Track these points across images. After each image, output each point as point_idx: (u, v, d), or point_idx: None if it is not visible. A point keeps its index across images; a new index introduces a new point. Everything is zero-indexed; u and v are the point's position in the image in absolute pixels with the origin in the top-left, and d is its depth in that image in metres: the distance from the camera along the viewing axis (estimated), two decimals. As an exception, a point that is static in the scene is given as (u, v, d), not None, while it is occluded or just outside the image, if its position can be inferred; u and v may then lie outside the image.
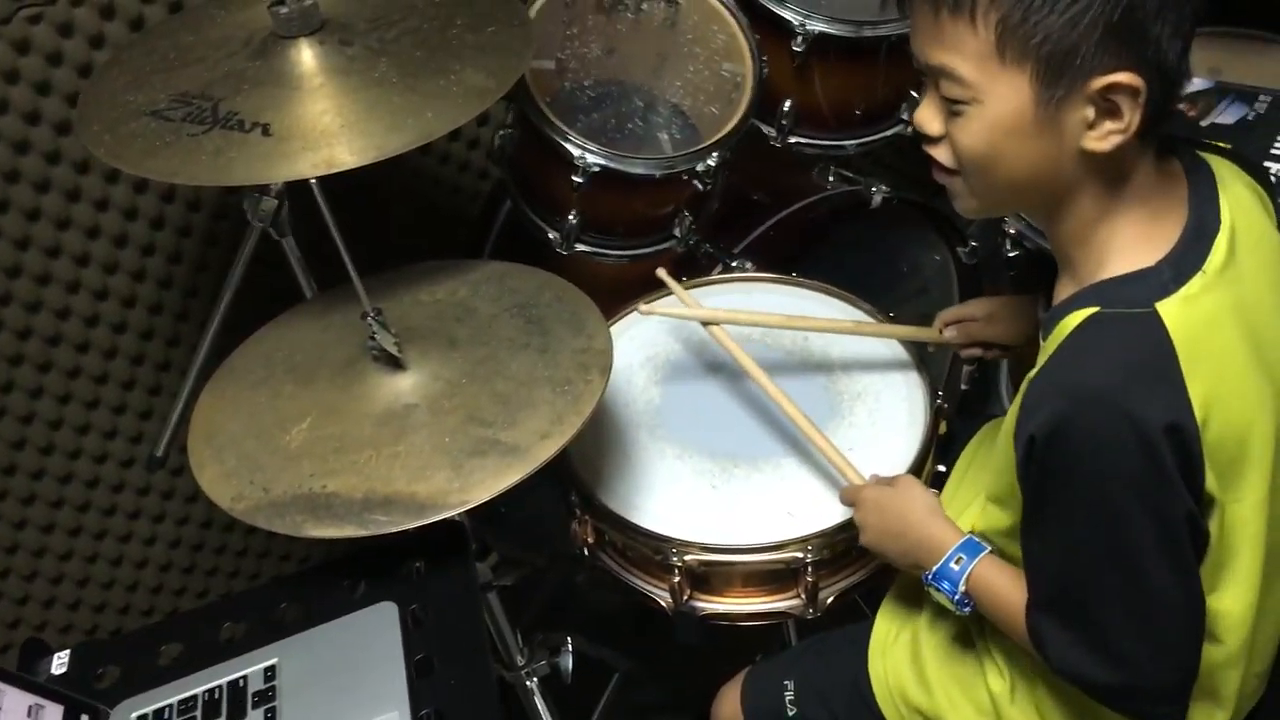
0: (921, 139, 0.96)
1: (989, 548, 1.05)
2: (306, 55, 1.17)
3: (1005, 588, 1.02)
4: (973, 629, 1.14)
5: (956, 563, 1.05)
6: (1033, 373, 0.92)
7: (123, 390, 1.65)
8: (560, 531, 1.37)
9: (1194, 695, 0.96)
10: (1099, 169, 0.90)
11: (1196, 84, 1.53)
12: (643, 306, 1.40)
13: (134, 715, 1.00)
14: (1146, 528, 0.87)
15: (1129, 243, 0.92)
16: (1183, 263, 0.90)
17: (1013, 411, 0.94)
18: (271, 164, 1.08)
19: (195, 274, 1.65)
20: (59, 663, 1.06)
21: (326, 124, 1.11)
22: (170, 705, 1.00)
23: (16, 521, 1.60)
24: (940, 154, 0.96)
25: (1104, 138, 0.87)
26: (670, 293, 1.41)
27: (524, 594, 1.80)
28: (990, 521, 1.07)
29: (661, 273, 1.40)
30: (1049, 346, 0.91)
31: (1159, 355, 0.87)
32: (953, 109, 0.92)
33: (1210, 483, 0.88)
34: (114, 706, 1.01)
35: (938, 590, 1.06)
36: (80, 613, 1.72)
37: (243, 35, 1.23)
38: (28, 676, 0.97)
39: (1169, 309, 0.88)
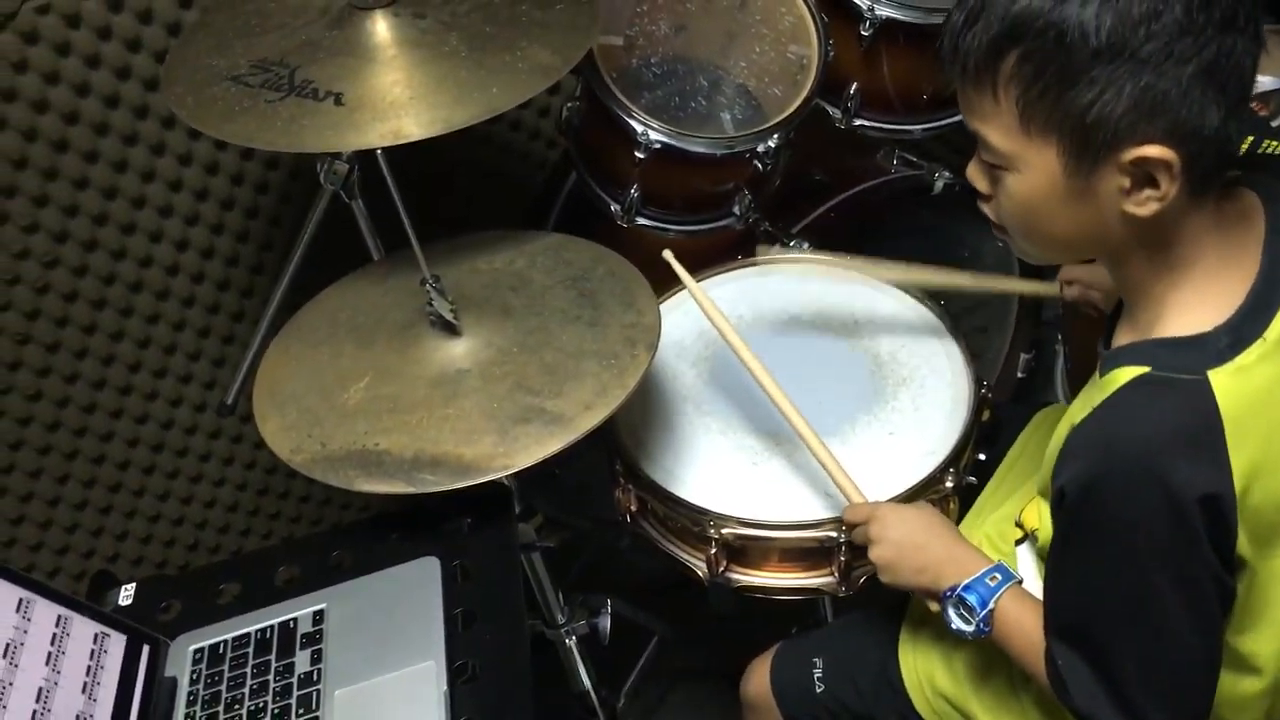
0: (974, 193, 0.97)
1: (1019, 577, 1.05)
2: (381, 27, 1.21)
3: (1034, 619, 1.00)
4: None
5: (992, 580, 1.04)
6: (1076, 415, 0.92)
7: (198, 337, 1.72)
8: (606, 497, 1.41)
9: None
10: (1146, 231, 0.89)
11: (1266, 83, 1.52)
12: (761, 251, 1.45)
13: (191, 648, 1.07)
14: (1170, 591, 0.87)
15: (1186, 303, 0.90)
16: (1242, 329, 0.88)
17: (1057, 438, 0.95)
18: (341, 133, 1.13)
19: (270, 229, 1.72)
20: (125, 594, 1.13)
21: (396, 95, 1.15)
22: (225, 641, 1.07)
23: (94, 457, 1.68)
24: (989, 210, 0.97)
25: (1142, 204, 0.86)
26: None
27: (568, 556, 1.86)
28: (1044, 523, 1.05)
29: (668, 254, 1.41)
30: (1096, 396, 0.91)
31: (1204, 425, 0.86)
32: (992, 173, 0.93)
33: (1243, 546, 0.88)
34: (173, 639, 1.08)
35: (960, 605, 1.04)
36: (151, 546, 1.80)
37: (320, 4, 1.27)
38: (96, 606, 1.04)
39: (1221, 379, 0.86)
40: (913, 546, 1.12)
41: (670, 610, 1.81)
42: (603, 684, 1.53)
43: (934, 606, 1.09)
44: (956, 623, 1.05)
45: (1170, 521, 0.85)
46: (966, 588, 1.04)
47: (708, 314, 1.33)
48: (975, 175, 0.96)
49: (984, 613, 1.02)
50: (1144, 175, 0.85)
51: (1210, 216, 0.90)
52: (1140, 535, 0.87)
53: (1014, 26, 0.84)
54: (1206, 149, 0.84)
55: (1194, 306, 0.90)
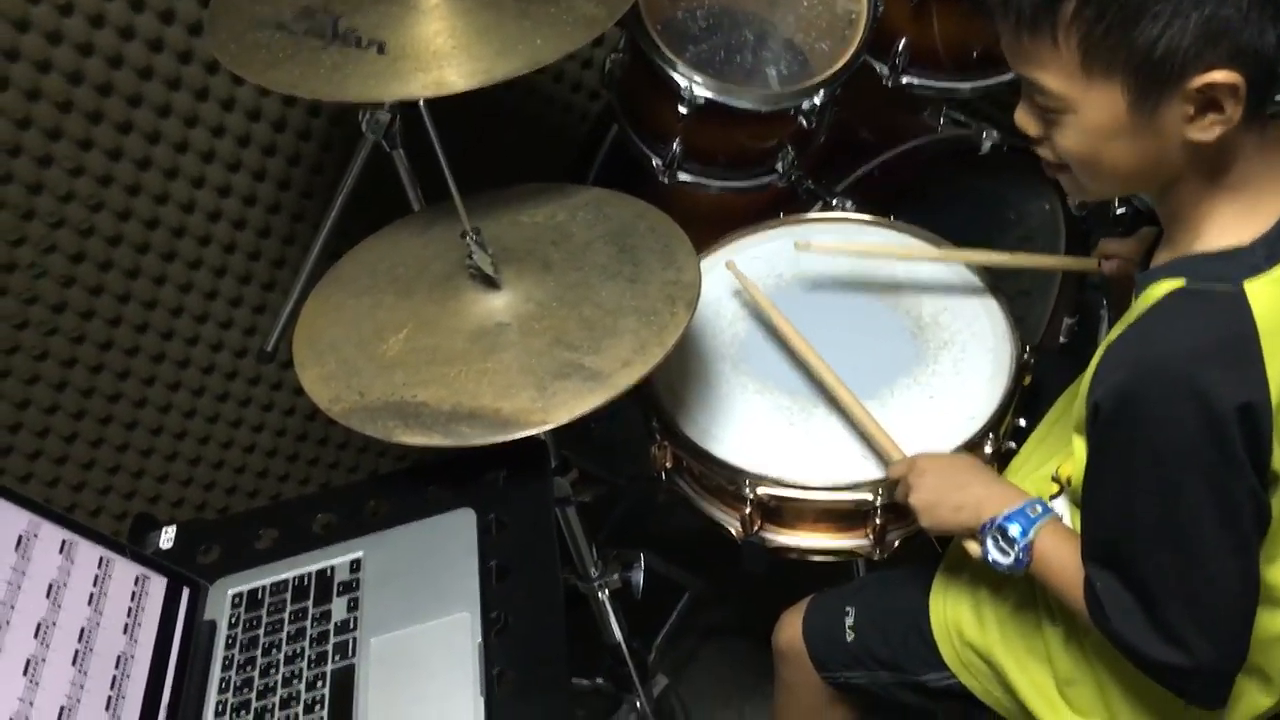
0: (1024, 136, 0.97)
1: (1059, 513, 1.05)
2: (425, -25, 1.20)
3: (1072, 552, 1.01)
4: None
5: (1033, 511, 1.05)
6: (1112, 335, 0.93)
7: (239, 283, 1.73)
8: (641, 454, 1.41)
9: (1246, 671, 0.97)
10: (1204, 156, 0.90)
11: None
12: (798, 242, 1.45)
13: (231, 592, 1.09)
14: (1206, 508, 0.87)
15: (1226, 220, 0.92)
16: (1278, 243, 0.89)
17: (1090, 369, 0.95)
18: (384, 83, 1.12)
19: (311, 176, 1.72)
20: (166, 537, 1.15)
21: (439, 45, 1.14)
22: (264, 586, 1.08)
23: (137, 400, 1.70)
24: (1044, 152, 0.97)
25: (1207, 129, 0.87)
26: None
27: (602, 510, 1.87)
28: (1077, 462, 1.05)
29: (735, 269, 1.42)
30: (1131, 314, 0.92)
31: (1240, 335, 0.86)
32: (1047, 116, 0.92)
33: (1277, 461, 0.88)
34: (213, 582, 1.10)
35: (1001, 537, 1.05)
36: (191, 489, 1.82)
37: (366, -49, 1.26)
38: (137, 548, 1.05)
39: (1256, 288, 0.87)
40: (951, 486, 1.13)
41: (702, 567, 1.82)
42: (634, 637, 1.54)
43: (974, 548, 1.10)
44: (995, 554, 1.06)
45: (1207, 433, 0.85)
46: (1008, 518, 1.05)
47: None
48: (1025, 120, 0.96)
49: (1024, 543, 1.03)
50: (1208, 101, 0.85)
51: (1258, 135, 0.91)
52: (1176, 447, 0.87)
53: None
54: (1265, 69, 0.85)
55: (1232, 223, 0.91)
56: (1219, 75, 0.83)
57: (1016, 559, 1.04)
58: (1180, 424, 0.86)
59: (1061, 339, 1.96)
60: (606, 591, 1.46)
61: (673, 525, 1.89)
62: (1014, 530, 1.03)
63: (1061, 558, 1.02)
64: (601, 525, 1.88)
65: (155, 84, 1.52)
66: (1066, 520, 1.11)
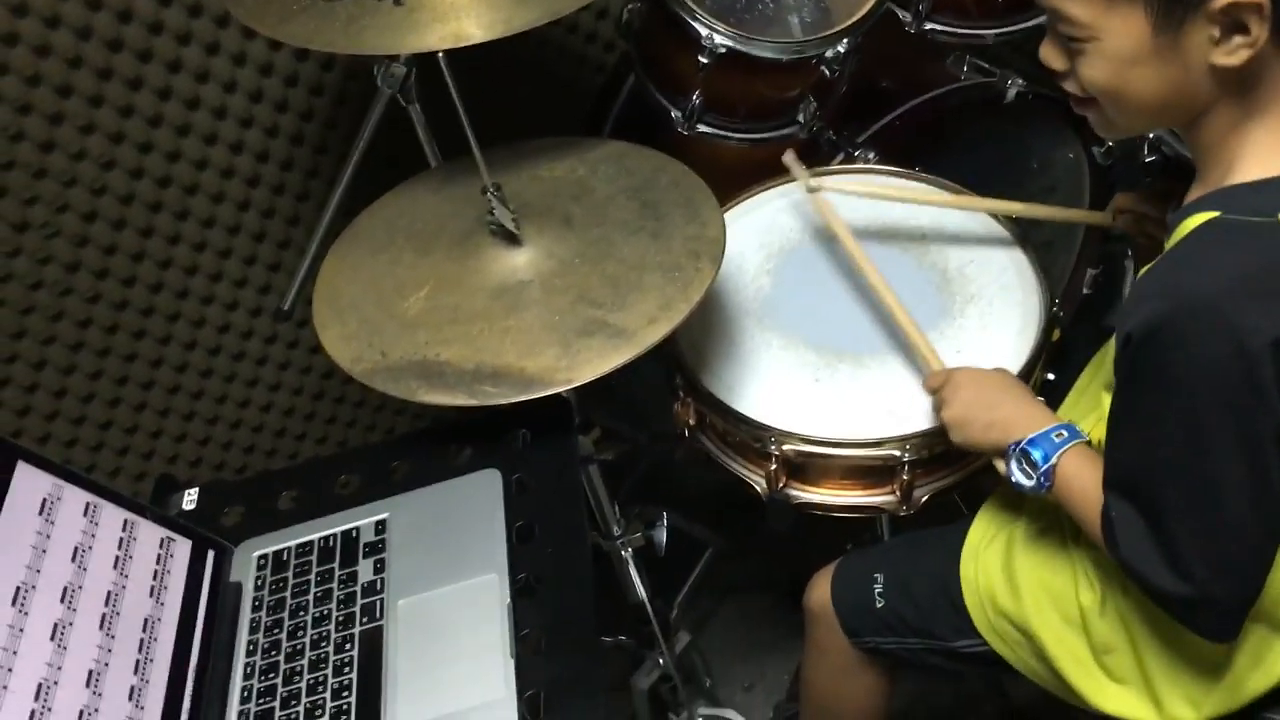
0: (1050, 73, 0.95)
1: (1088, 437, 1.05)
2: (441, -77, 1.17)
3: (1093, 478, 1.00)
4: (1069, 538, 1.14)
5: (1058, 436, 1.04)
6: (1145, 269, 0.91)
7: (254, 242, 1.71)
8: (662, 411, 1.40)
9: (1255, 618, 0.96)
10: (1232, 81, 0.88)
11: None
12: (812, 181, 1.42)
13: (256, 554, 1.08)
14: (1229, 442, 0.86)
15: (1261, 150, 0.90)
16: None
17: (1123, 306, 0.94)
18: (400, 35, 1.10)
19: (325, 131, 1.69)
20: (189, 499, 1.14)
21: (457, -4, 1.12)
22: (289, 548, 1.08)
23: (153, 360, 1.69)
24: (1070, 86, 0.95)
25: (1233, 52, 0.85)
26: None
27: (624, 467, 1.86)
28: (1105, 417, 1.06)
29: (789, 157, 1.39)
30: (1165, 247, 0.91)
31: (1276, 266, 0.84)
32: (1072, 47, 0.91)
33: None
34: (237, 545, 1.09)
35: (1024, 460, 1.05)
36: (209, 449, 1.82)
37: (379, -100, 1.23)
38: (161, 511, 1.05)
39: None
40: (982, 404, 1.13)
41: (724, 524, 1.81)
42: (657, 595, 1.53)
43: (1000, 466, 1.10)
44: (1018, 476, 1.06)
45: (1238, 366, 0.83)
46: (1031, 441, 1.05)
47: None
48: (1051, 54, 0.96)
49: (1045, 467, 1.04)
50: (1233, 22, 0.84)
51: None
52: (1206, 381, 0.86)
53: None
54: None
55: (1266, 152, 0.90)
56: None
57: (1038, 482, 1.04)
58: (1210, 358, 0.84)
59: (1085, 290, 1.93)
60: (629, 550, 1.45)
61: (694, 482, 1.88)
62: (1036, 454, 1.04)
63: (1083, 484, 1.02)
64: (621, 483, 1.87)
65: (165, 39, 1.49)
66: None
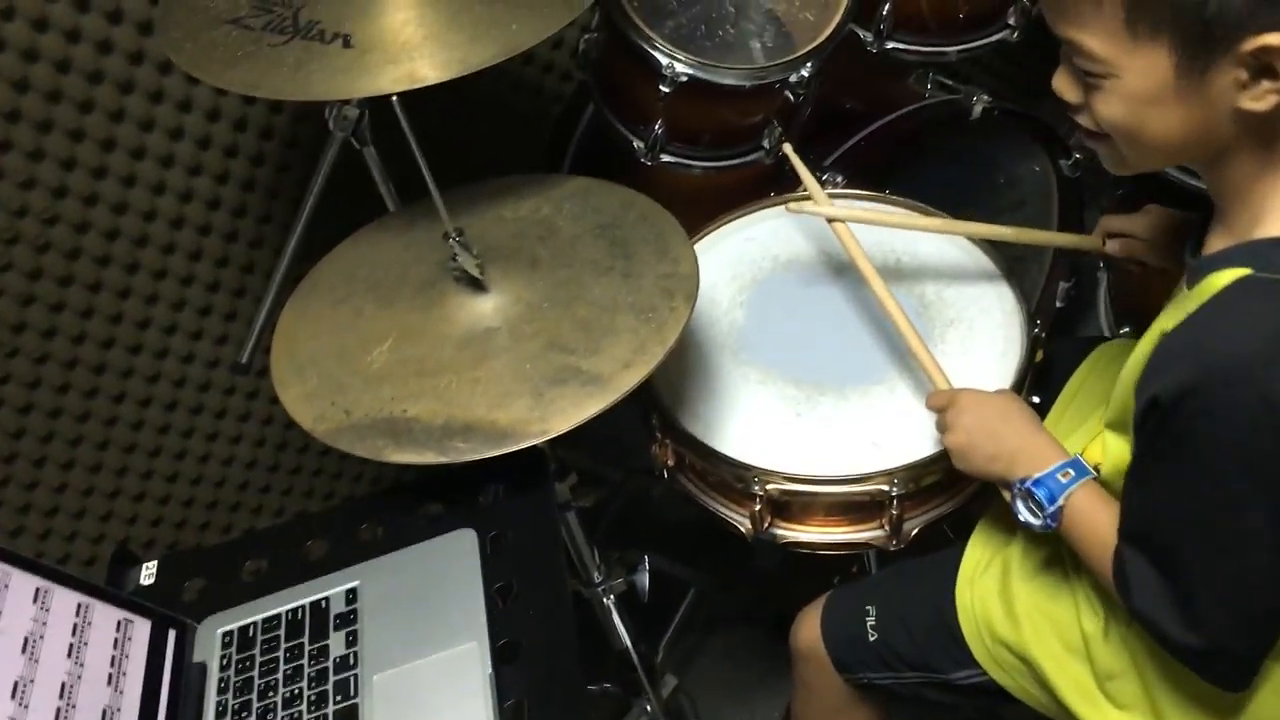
0: (1062, 104, 0.91)
1: (1095, 474, 1.02)
2: (388, -42, 1.13)
3: (1103, 518, 0.98)
4: (1068, 564, 1.11)
5: (1064, 475, 1.01)
6: (1168, 324, 0.87)
7: (208, 292, 1.65)
8: (636, 446, 1.36)
9: (1276, 656, 0.94)
10: (1258, 126, 0.84)
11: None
12: (791, 205, 1.38)
13: (220, 631, 1.02)
14: (1259, 511, 0.83)
15: None
16: None
17: (1140, 354, 0.91)
18: (352, 78, 1.05)
19: (278, 176, 1.64)
20: (147, 573, 1.08)
21: (408, 35, 1.07)
22: (255, 623, 1.02)
23: (108, 418, 1.62)
24: (1083, 120, 0.91)
25: (1260, 98, 0.81)
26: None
27: (600, 506, 1.81)
28: (1111, 454, 1.02)
29: (788, 149, 1.36)
30: (1190, 302, 0.86)
31: None
32: (1088, 81, 0.87)
33: None
34: (200, 621, 1.03)
35: (1029, 499, 1.02)
36: (170, 507, 1.75)
37: (323, -63, 1.18)
38: (117, 591, 0.99)
39: None
40: (986, 434, 1.10)
41: (706, 557, 1.77)
42: (641, 639, 1.49)
43: (1007, 497, 1.07)
44: (1025, 515, 1.03)
45: (1271, 436, 0.81)
46: (1036, 482, 1.02)
47: (842, 218, 1.33)
48: (1065, 86, 0.91)
49: (1052, 509, 1.01)
50: (1262, 67, 0.80)
51: None
52: (1236, 448, 0.83)
53: None
54: None
55: None
56: (1274, 38, 0.77)
57: (1044, 523, 1.01)
58: (1243, 424, 0.81)
59: (1058, 303, 1.92)
60: (611, 597, 1.41)
61: (673, 516, 1.84)
62: (1041, 495, 1.01)
63: (1092, 526, 0.99)
64: (597, 522, 1.82)
65: (106, 87, 1.43)
66: None
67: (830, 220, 1.33)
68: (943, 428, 1.14)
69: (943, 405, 1.15)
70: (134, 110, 1.47)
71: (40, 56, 1.36)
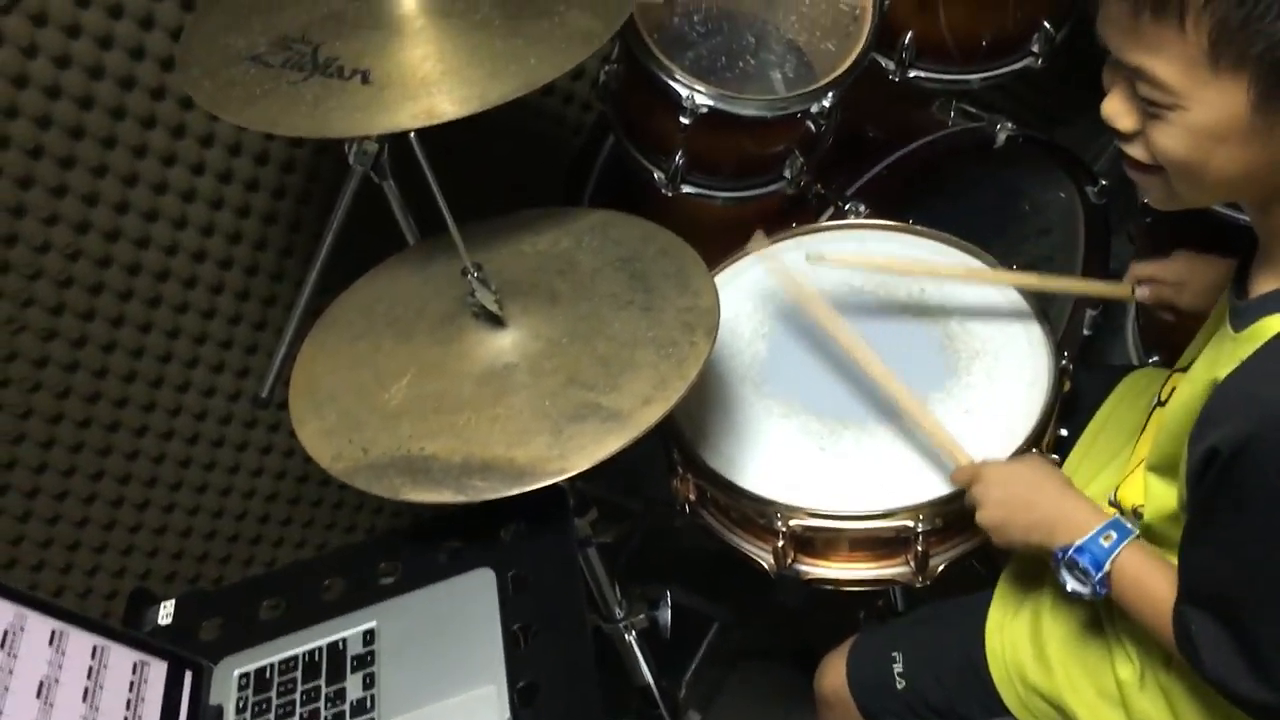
0: (1112, 131, 0.88)
1: (1137, 531, 0.99)
2: (408, -5, 1.13)
3: (1155, 578, 0.95)
4: (1100, 610, 1.08)
5: (1106, 539, 0.97)
6: (1219, 371, 0.85)
7: (229, 325, 1.65)
8: (657, 475, 1.34)
9: None
10: None
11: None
12: (811, 251, 1.36)
13: (236, 673, 1.01)
14: None
15: None
16: None
17: (1187, 401, 0.88)
18: (370, 115, 1.05)
19: (299, 209, 1.64)
20: (164, 613, 1.08)
21: (427, 71, 1.07)
22: (272, 664, 1.01)
23: (129, 452, 1.62)
24: (1135, 151, 0.87)
25: None
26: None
27: (621, 539, 1.79)
28: (1155, 498, 0.99)
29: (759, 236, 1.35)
30: (1242, 348, 0.84)
31: None
32: (1150, 110, 0.83)
33: None
34: (217, 662, 1.02)
35: (1074, 568, 0.98)
36: (191, 540, 1.75)
37: (343, -27, 1.19)
38: (132, 632, 0.98)
39: None
40: (1020, 506, 1.06)
41: (729, 589, 1.75)
42: (663, 672, 1.47)
43: (1051, 566, 1.03)
44: (1072, 584, 0.99)
45: None
46: (1079, 549, 0.98)
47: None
48: (1119, 113, 0.86)
49: (1099, 575, 0.97)
50: None
51: None
52: None
53: None
54: None
55: None
56: None
57: (1094, 590, 0.97)
58: None
59: (1086, 331, 1.89)
60: (633, 632, 1.39)
61: (695, 547, 1.81)
62: (1085, 562, 0.97)
63: (1143, 588, 0.96)
64: (618, 555, 1.81)
65: (128, 124, 1.44)
66: None
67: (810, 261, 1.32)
68: (973, 505, 1.10)
69: (967, 481, 1.11)
70: (156, 145, 1.47)
71: (62, 93, 1.37)
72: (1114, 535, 0.97)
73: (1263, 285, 0.89)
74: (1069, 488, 1.07)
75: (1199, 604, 0.90)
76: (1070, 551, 0.98)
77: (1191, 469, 0.87)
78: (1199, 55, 0.78)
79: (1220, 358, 0.86)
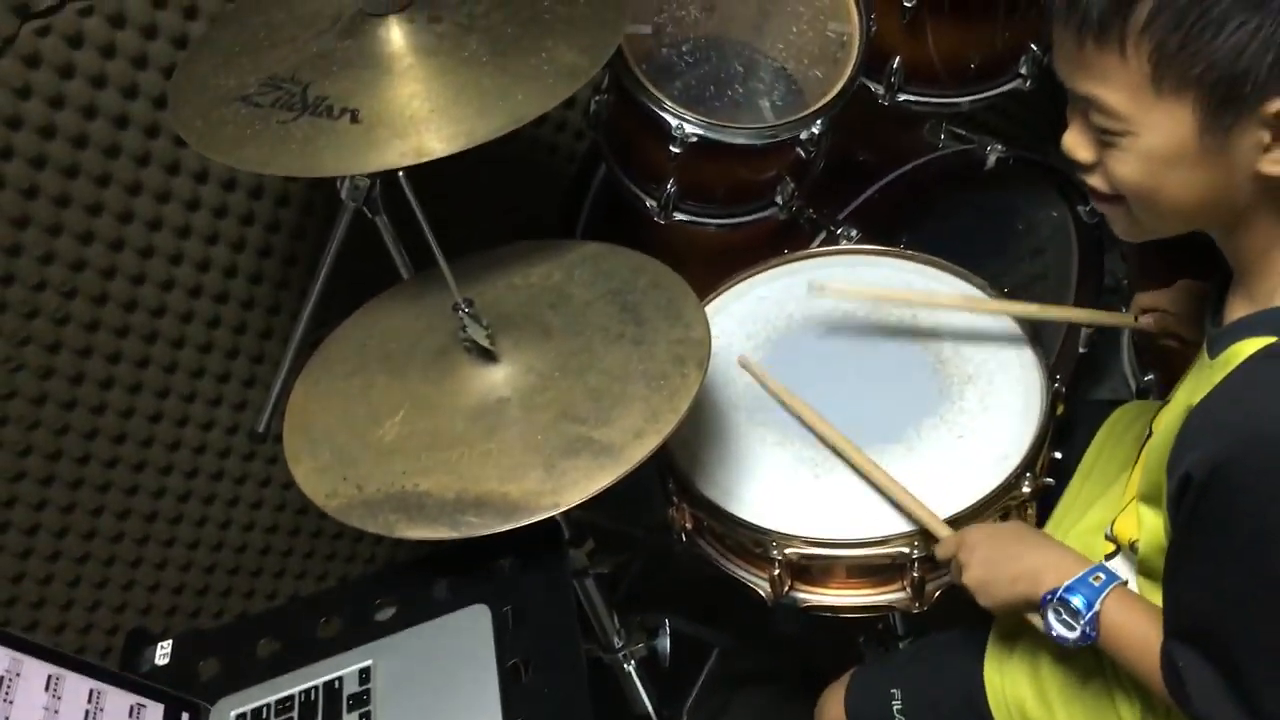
0: (1073, 164, 0.89)
1: (1124, 579, 0.98)
2: (395, 34, 1.14)
3: (1143, 619, 0.94)
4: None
5: (1096, 580, 0.96)
6: (1193, 397, 0.85)
7: (226, 359, 1.66)
8: (655, 501, 1.34)
9: None
10: (1278, 191, 0.82)
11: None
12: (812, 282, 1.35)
13: (233, 714, 1.01)
14: None
15: None
16: None
17: (1167, 429, 0.88)
18: (360, 153, 1.06)
19: (293, 243, 1.65)
20: (161, 653, 1.08)
21: (415, 109, 1.08)
22: (269, 705, 1.01)
23: (128, 487, 1.63)
24: (1096, 181, 0.88)
25: None
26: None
27: (619, 568, 1.79)
28: (1147, 528, 0.98)
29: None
30: (1215, 373, 0.84)
31: None
32: (1104, 139, 0.84)
33: None
34: (213, 704, 1.02)
35: (1063, 609, 0.97)
36: (191, 573, 1.75)
37: (331, 12, 1.20)
38: (129, 675, 0.98)
39: None
40: (1004, 558, 1.05)
41: (729, 615, 1.75)
42: (663, 701, 1.47)
43: (1036, 621, 1.01)
44: (1059, 629, 0.97)
45: None
46: (1069, 589, 0.96)
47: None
48: (1077, 144, 0.88)
49: (1090, 615, 0.95)
50: None
51: None
52: (1275, 525, 0.80)
53: None
54: None
55: None
56: None
57: (1083, 633, 0.95)
58: (1278, 497, 0.79)
59: (1081, 349, 1.89)
60: (632, 662, 1.39)
61: (693, 573, 1.81)
62: (1077, 602, 0.95)
63: (1132, 630, 0.94)
64: (617, 583, 1.81)
65: (123, 161, 1.45)
66: (1131, 584, 1.04)
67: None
68: (958, 571, 1.09)
69: (953, 550, 1.10)
70: (151, 182, 1.48)
71: (57, 132, 1.38)
72: (1103, 577, 0.97)
73: (1235, 310, 0.89)
74: (1052, 540, 1.06)
75: (1185, 639, 0.89)
76: (1060, 592, 0.96)
77: (1169, 497, 0.87)
78: (1142, 80, 0.80)
79: (1198, 385, 0.87)
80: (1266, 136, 0.79)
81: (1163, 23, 0.77)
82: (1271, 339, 0.82)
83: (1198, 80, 0.78)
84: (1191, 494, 0.83)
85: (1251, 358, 0.82)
